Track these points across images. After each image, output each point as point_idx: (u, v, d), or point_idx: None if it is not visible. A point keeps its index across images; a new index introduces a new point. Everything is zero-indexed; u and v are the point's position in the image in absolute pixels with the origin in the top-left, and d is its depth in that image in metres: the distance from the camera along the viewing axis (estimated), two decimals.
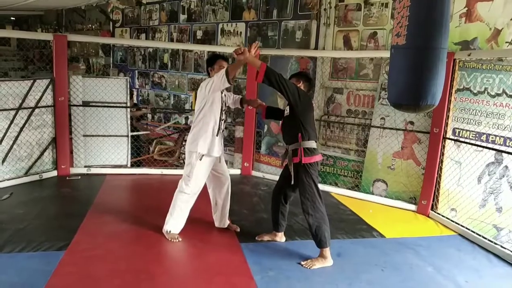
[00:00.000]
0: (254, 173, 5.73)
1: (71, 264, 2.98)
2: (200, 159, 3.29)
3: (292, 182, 3.23)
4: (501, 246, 3.66)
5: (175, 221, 3.44)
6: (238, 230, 3.72)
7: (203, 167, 3.34)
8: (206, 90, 3.25)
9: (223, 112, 3.39)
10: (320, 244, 3.17)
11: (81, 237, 3.40)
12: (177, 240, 3.42)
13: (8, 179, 4.62)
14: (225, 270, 3.05)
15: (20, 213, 3.84)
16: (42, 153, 4.94)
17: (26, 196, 4.33)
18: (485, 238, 3.82)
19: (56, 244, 3.23)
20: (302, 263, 3.18)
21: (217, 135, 3.32)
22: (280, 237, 3.58)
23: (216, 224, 3.73)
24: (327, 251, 3.19)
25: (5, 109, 4.53)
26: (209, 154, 3.31)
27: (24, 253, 3.10)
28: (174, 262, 3.22)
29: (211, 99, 3.28)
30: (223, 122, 3.40)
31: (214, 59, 3.41)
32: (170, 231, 3.44)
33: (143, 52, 7.93)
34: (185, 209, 3.43)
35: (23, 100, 4.66)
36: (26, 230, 3.49)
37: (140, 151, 5.98)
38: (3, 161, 4.60)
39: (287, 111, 3.29)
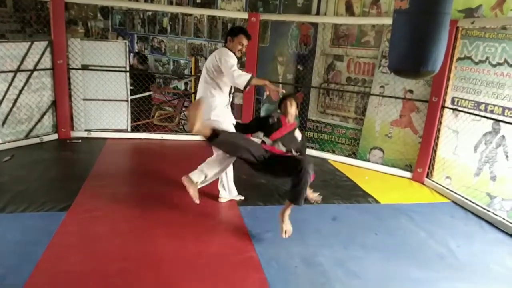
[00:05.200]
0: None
1: (73, 224, 3.06)
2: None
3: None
4: (493, 213, 3.75)
5: (211, 176, 3.29)
6: (243, 197, 3.69)
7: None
8: (220, 64, 3.23)
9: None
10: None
11: (82, 198, 3.47)
12: (196, 201, 3.22)
13: (8, 142, 4.65)
14: (224, 232, 3.14)
15: (21, 175, 3.90)
16: (42, 116, 4.95)
17: (27, 159, 4.37)
18: (478, 206, 3.91)
19: (58, 205, 3.30)
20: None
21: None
22: None
23: (222, 195, 3.63)
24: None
25: (3, 71, 4.50)
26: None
27: (27, 213, 3.17)
28: (174, 223, 3.30)
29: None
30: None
31: (238, 32, 3.37)
32: (198, 182, 3.25)
33: (142, 16, 7.77)
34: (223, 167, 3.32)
35: (21, 62, 4.63)
36: (28, 191, 3.55)
37: (140, 116, 5.98)
38: (3, 123, 4.62)
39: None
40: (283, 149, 3.27)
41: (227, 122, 3.35)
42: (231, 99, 3.48)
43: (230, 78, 3.22)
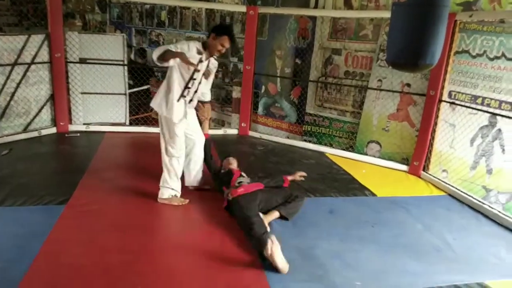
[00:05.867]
0: (251, 133, 5.78)
1: (72, 218, 3.07)
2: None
3: None
4: (489, 206, 3.78)
5: (175, 184, 3.40)
6: (209, 188, 3.73)
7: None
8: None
9: (191, 82, 3.27)
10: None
11: (81, 192, 3.48)
12: (185, 202, 3.40)
13: (6, 135, 4.65)
14: (221, 225, 3.14)
15: (20, 169, 3.91)
16: (40, 110, 4.95)
17: (25, 152, 4.38)
18: (474, 199, 3.94)
19: (56, 199, 3.32)
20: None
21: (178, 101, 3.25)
22: None
23: (186, 181, 3.66)
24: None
25: (1, 65, 4.49)
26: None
27: (26, 207, 3.19)
28: (172, 216, 3.32)
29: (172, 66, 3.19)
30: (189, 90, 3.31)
31: (223, 32, 3.18)
32: (174, 195, 3.41)
33: (140, 9, 7.73)
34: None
35: (19, 56, 4.62)
36: (26, 185, 3.56)
37: (139, 110, 5.98)
38: (1, 117, 4.62)
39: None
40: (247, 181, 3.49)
41: (179, 121, 3.26)
42: (188, 97, 3.33)
43: (157, 54, 3.03)
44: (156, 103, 3.31)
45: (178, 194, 3.43)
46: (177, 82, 3.24)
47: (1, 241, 2.70)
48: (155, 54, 3.04)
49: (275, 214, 3.19)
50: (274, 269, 2.58)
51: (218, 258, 2.72)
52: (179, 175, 3.43)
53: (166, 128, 3.30)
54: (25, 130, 4.85)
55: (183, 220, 3.30)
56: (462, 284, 2.66)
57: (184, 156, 3.45)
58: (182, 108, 3.29)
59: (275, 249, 2.59)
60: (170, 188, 3.38)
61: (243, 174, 3.58)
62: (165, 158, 3.36)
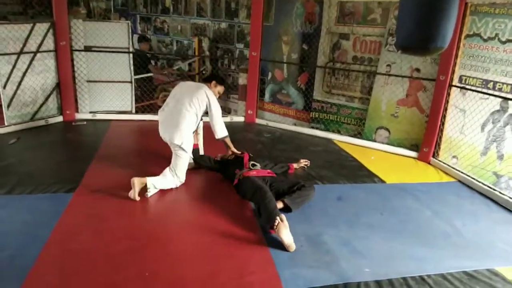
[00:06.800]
0: (257, 120, 5.74)
1: (80, 205, 3.09)
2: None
3: None
4: (500, 192, 3.73)
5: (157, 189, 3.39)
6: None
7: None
8: (206, 106, 3.58)
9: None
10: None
11: (89, 180, 3.49)
12: (137, 199, 3.25)
13: (14, 124, 4.67)
14: (230, 212, 3.14)
15: (28, 157, 3.92)
16: (46, 99, 4.95)
17: (33, 141, 4.40)
18: (485, 185, 3.89)
19: (65, 187, 3.33)
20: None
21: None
22: None
23: None
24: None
25: (6, 54, 4.48)
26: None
27: (34, 195, 3.21)
28: (180, 201, 3.32)
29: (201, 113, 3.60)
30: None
31: (222, 82, 3.83)
32: (148, 190, 3.32)
33: None
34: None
35: (24, 45, 4.60)
36: (35, 173, 3.58)
37: (144, 98, 5.97)
38: (8, 106, 4.63)
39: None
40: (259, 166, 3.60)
41: (190, 146, 3.55)
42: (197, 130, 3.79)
43: (215, 122, 3.64)
44: (176, 138, 3.43)
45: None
46: (196, 123, 3.59)
47: (11, 228, 2.72)
48: (220, 133, 3.69)
49: (279, 204, 3.13)
50: (281, 247, 2.64)
51: (225, 243, 2.72)
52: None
53: (181, 159, 3.46)
54: (32, 119, 4.86)
55: (190, 205, 3.30)
56: (471, 270, 2.63)
57: None
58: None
59: (283, 226, 2.68)
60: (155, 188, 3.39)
61: (251, 155, 3.71)
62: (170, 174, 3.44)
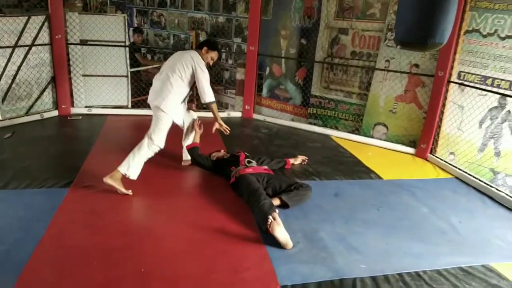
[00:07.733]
0: (255, 116, 5.72)
1: (75, 201, 3.07)
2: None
3: None
4: (496, 189, 3.73)
5: (136, 167, 3.27)
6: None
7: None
8: (192, 69, 3.46)
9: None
10: None
11: (84, 175, 3.46)
12: (129, 192, 3.20)
13: (9, 118, 4.63)
14: (226, 208, 3.12)
15: (23, 152, 3.89)
16: (41, 93, 4.91)
17: (28, 135, 4.36)
18: (481, 181, 3.89)
19: (60, 182, 3.31)
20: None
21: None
22: None
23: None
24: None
25: (1, 47, 4.44)
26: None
27: (29, 190, 3.18)
28: (176, 197, 3.30)
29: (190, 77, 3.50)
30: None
31: (215, 48, 3.65)
32: (128, 176, 3.22)
33: None
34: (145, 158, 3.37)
35: (19, 38, 4.55)
36: (30, 168, 3.55)
37: (140, 92, 5.93)
38: (3, 100, 4.59)
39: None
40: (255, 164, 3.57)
41: (174, 116, 3.52)
42: (187, 99, 3.71)
43: (201, 86, 3.48)
44: (157, 99, 3.40)
45: (133, 177, 3.27)
46: (183, 88, 3.50)
47: (6, 224, 2.70)
48: (208, 97, 3.53)
49: (276, 201, 3.11)
50: (277, 243, 2.62)
51: (221, 240, 2.71)
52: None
53: (159, 121, 3.40)
54: (27, 113, 4.82)
55: (186, 201, 3.28)
56: (467, 266, 2.63)
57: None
58: (181, 109, 3.62)
59: (275, 224, 2.66)
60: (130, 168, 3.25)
61: (247, 154, 3.66)
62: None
